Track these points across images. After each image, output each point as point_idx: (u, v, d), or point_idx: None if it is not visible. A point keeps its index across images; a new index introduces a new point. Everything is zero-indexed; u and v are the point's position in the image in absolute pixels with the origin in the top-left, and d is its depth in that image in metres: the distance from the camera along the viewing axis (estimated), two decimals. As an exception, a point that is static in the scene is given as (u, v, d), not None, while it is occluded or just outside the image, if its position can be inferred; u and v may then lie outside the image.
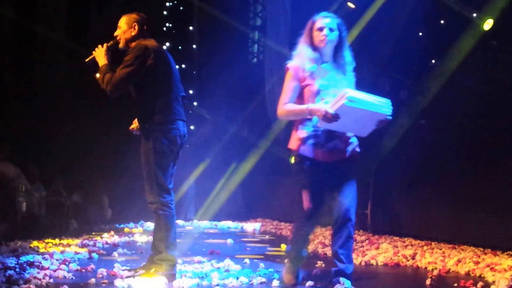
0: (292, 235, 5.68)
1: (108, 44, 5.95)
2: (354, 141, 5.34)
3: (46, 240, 8.62)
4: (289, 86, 5.25)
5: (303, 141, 5.23)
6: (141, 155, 5.86)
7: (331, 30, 5.27)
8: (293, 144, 5.32)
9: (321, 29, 5.27)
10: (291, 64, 5.28)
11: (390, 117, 5.02)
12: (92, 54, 5.96)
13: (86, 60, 5.99)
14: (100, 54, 5.90)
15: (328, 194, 5.28)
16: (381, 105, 4.99)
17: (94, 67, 5.92)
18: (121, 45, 5.98)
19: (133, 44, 5.89)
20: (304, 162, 5.25)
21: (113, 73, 5.76)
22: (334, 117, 4.89)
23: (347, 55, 5.36)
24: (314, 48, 5.28)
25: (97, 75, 5.86)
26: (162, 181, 5.78)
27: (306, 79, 5.21)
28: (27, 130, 12.67)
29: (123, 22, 5.98)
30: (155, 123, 5.78)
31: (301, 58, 5.28)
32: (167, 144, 5.79)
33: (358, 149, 5.36)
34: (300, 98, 5.26)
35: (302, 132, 5.24)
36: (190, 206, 14.10)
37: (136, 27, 5.94)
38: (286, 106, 5.22)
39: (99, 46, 5.93)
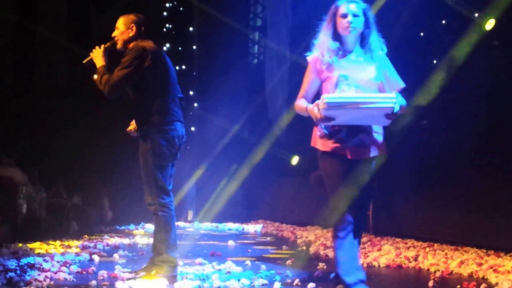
0: (334, 252, 5.03)
1: (106, 45, 5.94)
2: (379, 138, 4.92)
3: (47, 242, 8.60)
4: (306, 80, 4.96)
5: (323, 137, 4.89)
6: (139, 157, 5.84)
7: (355, 16, 4.85)
8: (314, 141, 4.98)
9: (344, 16, 4.86)
10: (310, 57, 4.96)
11: (397, 110, 4.58)
12: (89, 55, 5.94)
13: (84, 61, 5.98)
14: (97, 56, 5.88)
15: (349, 192, 4.89)
16: (380, 100, 4.60)
17: (92, 69, 5.91)
18: (119, 46, 5.97)
19: (131, 45, 5.88)
20: (326, 160, 4.92)
21: (110, 75, 5.74)
22: (326, 119, 4.65)
23: (375, 42, 4.93)
24: (337, 36, 4.90)
25: (95, 76, 5.85)
26: (161, 183, 5.77)
27: (325, 72, 4.88)
28: (27, 132, 12.65)
29: (120, 23, 5.97)
30: (153, 124, 5.77)
31: (320, 48, 4.93)
32: (166, 145, 5.77)
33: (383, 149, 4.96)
34: (323, 91, 4.91)
35: (321, 129, 4.90)
36: (191, 208, 14.07)
37: (134, 28, 5.93)
38: (297, 101, 4.94)
39: (97, 47, 5.92)
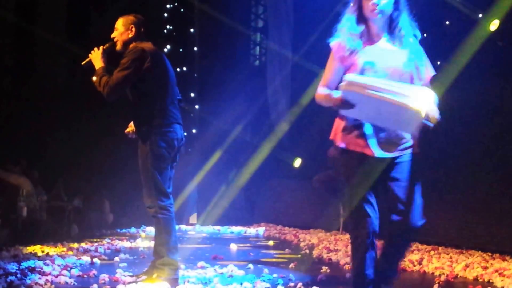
0: (351, 254, 4.61)
1: (105, 47, 5.89)
2: (408, 137, 4.32)
3: (47, 246, 8.56)
4: (328, 68, 4.43)
5: (345, 129, 4.34)
6: (138, 159, 5.81)
7: None
8: (334, 133, 4.45)
9: None
10: (333, 42, 4.41)
11: (425, 120, 4.02)
12: (88, 57, 5.90)
13: (82, 63, 5.93)
14: (96, 57, 5.84)
15: (379, 195, 4.34)
16: (404, 95, 4.02)
17: (91, 70, 5.87)
18: (118, 47, 5.92)
19: (130, 46, 5.84)
20: (347, 156, 4.36)
21: (110, 76, 5.70)
22: (344, 104, 4.14)
23: (405, 26, 4.40)
24: (363, 19, 4.39)
25: (94, 78, 5.81)
26: (160, 185, 5.73)
27: (349, 58, 4.34)
28: (27, 134, 12.61)
29: (120, 24, 5.93)
30: (152, 126, 5.74)
31: (344, 33, 4.42)
32: (165, 147, 5.74)
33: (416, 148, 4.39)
34: None
35: (344, 121, 4.37)
36: (192, 210, 14.04)
37: (133, 29, 5.88)
38: (319, 90, 4.41)
39: (95, 48, 5.87)
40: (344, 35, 4.38)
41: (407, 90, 4.06)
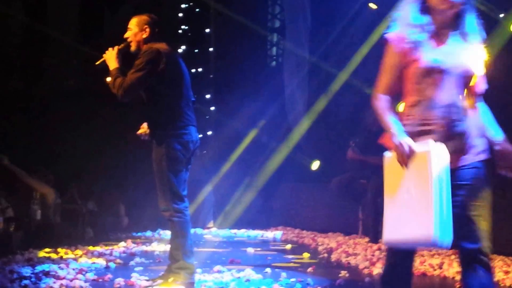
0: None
1: (119, 47, 5.86)
2: (480, 142, 3.67)
3: (61, 250, 8.54)
4: (387, 66, 3.77)
5: (409, 136, 3.61)
6: (152, 162, 5.79)
7: None
8: (389, 139, 3.74)
9: None
10: (391, 34, 3.75)
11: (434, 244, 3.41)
12: (102, 57, 5.87)
13: (97, 63, 5.91)
14: (110, 57, 5.81)
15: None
16: (440, 221, 3.31)
17: (104, 71, 5.84)
18: (132, 48, 5.90)
19: (145, 47, 5.81)
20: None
21: (124, 77, 5.68)
22: (402, 163, 3.55)
23: (471, 24, 3.73)
24: (426, 9, 3.72)
25: (108, 79, 5.78)
26: (175, 188, 5.71)
27: (411, 53, 3.66)
28: (40, 137, 12.63)
29: (134, 24, 5.90)
30: (167, 128, 5.73)
31: (405, 23, 3.75)
32: (180, 150, 5.72)
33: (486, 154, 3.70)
34: (403, 79, 3.75)
35: (405, 126, 3.67)
36: (208, 214, 13.98)
37: (148, 29, 5.86)
38: (378, 98, 3.81)
39: (110, 49, 5.84)
40: (404, 26, 3.73)
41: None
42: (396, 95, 3.81)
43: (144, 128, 5.99)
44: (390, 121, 3.71)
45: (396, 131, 3.61)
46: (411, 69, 3.67)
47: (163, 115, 5.75)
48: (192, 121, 5.85)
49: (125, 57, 5.91)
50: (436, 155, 3.41)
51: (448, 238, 3.31)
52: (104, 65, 5.84)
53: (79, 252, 8.47)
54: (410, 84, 3.69)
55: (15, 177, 9.57)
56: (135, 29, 5.86)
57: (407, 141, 3.53)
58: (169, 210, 5.69)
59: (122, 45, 5.88)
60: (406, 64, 3.69)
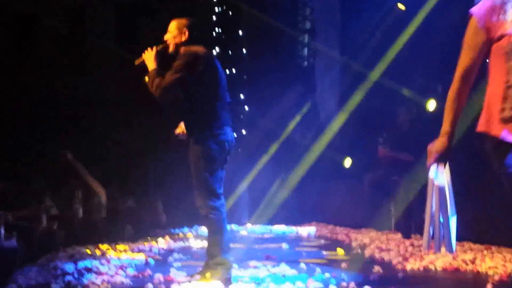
0: None
1: (158, 48, 5.96)
2: None
3: (102, 246, 8.72)
4: (469, 44, 3.36)
5: (506, 120, 3.26)
6: (189, 161, 5.87)
7: None
8: (486, 124, 3.39)
9: None
10: (476, 6, 3.31)
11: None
12: (141, 56, 5.98)
13: (136, 62, 6.02)
14: (149, 58, 5.91)
15: None
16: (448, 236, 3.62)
17: (143, 70, 5.94)
18: (170, 49, 5.98)
19: (183, 49, 5.91)
20: (504, 149, 3.29)
21: (162, 78, 5.76)
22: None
23: None
24: None
25: (146, 78, 5.88)
26: (211, 186, 5.80)
27: (499, 28, 3.22)
28: (82, 137, 12.83)
29: (173, 26, 5.98)
30: (203, 129, 5.81)
31: None
32: (216, 149, 5.80)
33: None
34: (493, 62, 3.32)
35: (503, 110, 3.28)
36: (243, 210, 14.08)
37: (187, 32, 5.93)
38: (454, 82, 3.48)
39: (149, 49, 5.95)
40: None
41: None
42: (474, 79, 3.46)
43: (181, 127, 6.09)
44: (447, 118, 3.47)
45: (443, 137, 3.44)
46: (497, 47, 3.28)
47: (199, 116, 5.83)
48: (228, 122, 5.94)
49: (162, 59, 6.00)
50: (435, 183, 3.58)
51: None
52: (143, 64, 5.95)
53: (119, 248, 8.63)
54: (500, 63, 3.29)
55: (76, 174, 9.77)
56: (175, 31, 5.94)
57: (430, 155, 3.45)
58: (206, 208, 5.79)
59: (161, 46, 5.98)
60: (493, 40, 3.29)
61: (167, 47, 5.99)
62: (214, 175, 5.83)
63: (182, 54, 5.87)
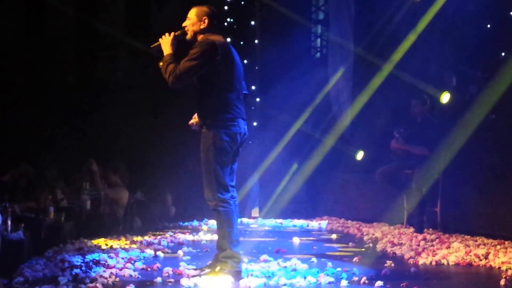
0: None
1: (176, 33, 5.87)
2: None
3: (111, 239, 8.69)
4: None
5: None
6: (200, 152, 5.80)
7: None
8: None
9: None
10: None
11: None
12: (158, 41, 5.88)
13: (152, 46, 5.93)
14: (166, 43, 5.82)
15: None
16: None
17: (158, 55, 5.85)
18: (188, 36, 5.89)
19: (201, 37, 5.81)
20: None
21: (177, 64, 5.68)
22: None
23: None
24: None
25: (160, 63, 5.80)
26: (221, 178, 5.73)
27: None
28: (90, 127, 12.83)
29: (193, 13, 5.88)
30: (216, 120, 5.74)
31: None
32: (227, 141, 5.73)
33: None
34: None
35: None
36: (254, 204, 14.05)
37: (206, 20, 5.84)
38: None
39: (166, 34, 5.85)
40: None
41: None
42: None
43: (195, 118, 5.99)
44: None
45: None
46: None
47: (212, 106, 5.75)
48: (241, 114, 5.85)
49: (179, 45, 5.90)
50: None
51: None
52: (159, 49, 5.84)
53: (128, 241, 8.60)
54: None
55: (96, 183, 9.81)
56: (194, 19, 5.85)
57: None
58: (215, 200, 5.72)
59: (179, 32, 5.89)
60: None
61: (185, 33, 5.90)
62: (224, 167, 5.75)
63: (199, 42, 5.77)
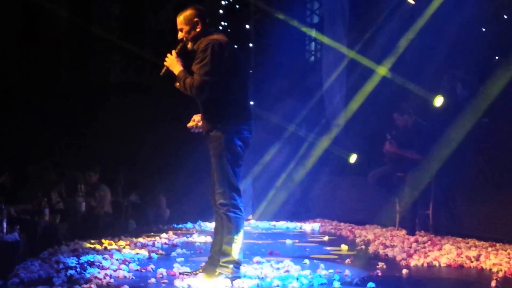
0: None
1: (177, 50, 5.69)
2: None
3: (105, 240, 8.71)
4: None
5: None
6: (211, 156, 5.66)
7: None
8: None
9: None
10: None
11: None
12: (164, 66, 5.71)
13: (161, 73, 5.75)
14: (172, 63, 5.65)
15: None
16: None
17: (170, 77, 5.68)
18: (189, 46, 5.70)
19: (204, 40, 5.59)
20: None
21: (192, 77, 5.50)
22: None
23: None
24: None
25: (177, 84, 5.62)
26: (235, 182, 5.62)
27: None
28: (84, 130, 12.86)
29: (182, 22, 5.68)
30: (228, 123, 5.59)
31: None
32: (240, 145, 5.62)
33: None
34: None
35: None
36: (247, 206, 14.08)
37: (199, 22, 5.65)
38: None
39: (168, 55, 5.67)
40: None
41: None
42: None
43: (194, 120, 5.85)
44: None
45: None
46: None
47: (224, 108, 5.57)
48: (251, 116, 5.74)
49: (185, 58, 5.71)
50: None
51: None
52: (168, 72, 5.68)
53: (122, 243, 8.62)
54: None
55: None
56: (186, 27, 5.66)
57: None
58: (228, 205, 5.58)
59: (178, 47, 5.71)
60: None
61: (185, 45, 5.72)
62: (236, 171, 5.63)
63: (204, 45, 5.54)
